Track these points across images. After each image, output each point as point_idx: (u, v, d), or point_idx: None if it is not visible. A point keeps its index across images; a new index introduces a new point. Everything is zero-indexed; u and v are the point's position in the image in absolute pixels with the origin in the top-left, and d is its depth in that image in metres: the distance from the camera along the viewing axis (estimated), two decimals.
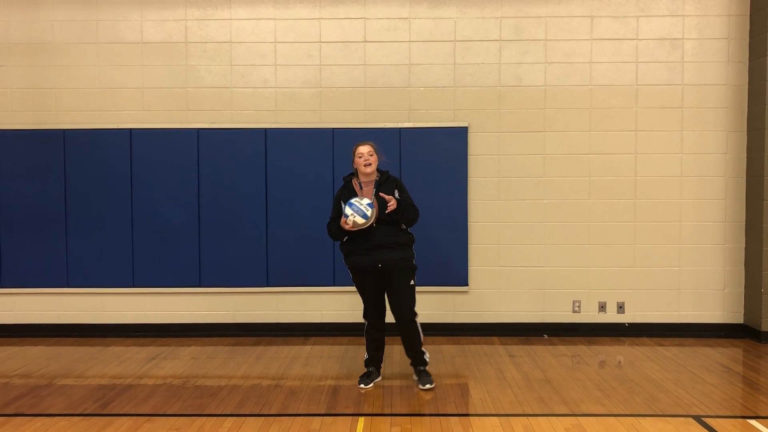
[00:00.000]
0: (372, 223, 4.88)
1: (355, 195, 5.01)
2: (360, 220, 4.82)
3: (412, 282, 5.08)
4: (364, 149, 5.06)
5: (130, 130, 6.72)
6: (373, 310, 5.15)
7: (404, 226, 5.06)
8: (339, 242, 5.20)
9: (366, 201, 4.86)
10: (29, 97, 6.77)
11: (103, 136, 6.72)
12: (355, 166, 5.14)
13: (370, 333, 5.21)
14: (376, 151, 5.10)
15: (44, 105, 6.76)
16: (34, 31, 6.76)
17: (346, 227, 4.89)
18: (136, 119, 6.76)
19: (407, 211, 5.02)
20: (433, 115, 6.71)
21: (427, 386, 5.03)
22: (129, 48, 6.76)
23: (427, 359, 5.22)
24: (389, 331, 5.28)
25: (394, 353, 5.93)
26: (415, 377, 5.22)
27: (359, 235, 4.97)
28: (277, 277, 6.73)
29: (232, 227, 6.71)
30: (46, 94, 6.77)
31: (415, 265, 5.11)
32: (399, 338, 5.23)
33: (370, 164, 5.04)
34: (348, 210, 4.84)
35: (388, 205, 4.86)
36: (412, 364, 5.24)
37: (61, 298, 6.81)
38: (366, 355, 5.27)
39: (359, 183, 5.10)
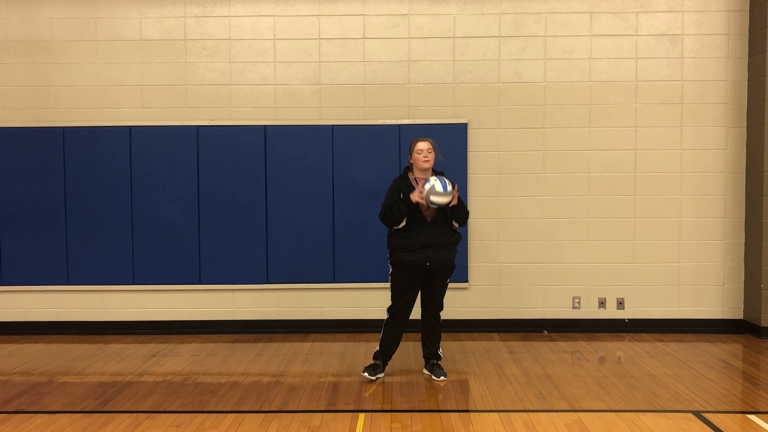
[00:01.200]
0: (447, 204, 4.86)
1: (413, 188, 5.01)
2: (439, 188, 4.79)
3: (448, 279, 5.23)
4: (423, 145, 5.06)
5: (130, 127, 6.72)
6: (403, 305, 5.13)
7: (456, 225, 5.12)
8: (388, 234, 5.15)
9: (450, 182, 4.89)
10: (28, 95, 6.77)
11: (102, 134, 6.72)
12: (411, 161, 5.14)
13: (392, 324, 5.17)
14: (434, 149, 5.11)
15: (43, 102, 6.76)
16: (33, 28, 6.75)
17: (417, 193, 4.85)
18: (136, 117, 6.76)
19: (463, 208, 5.09)
20: (433, 112, 6.71)
21: (441, 378, 5.18)
22: (128, 45, 6.75)
23: (441, 353, 5.39)
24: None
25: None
26: (426, 371, 5.33)
27: (413, 231, 4.98)
28: (276, 274, 6.74)
29: (231, 224, 6.71)
30: (46, 91, 6.77)
31: (455, 264, 5.21)
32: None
33: (428, 161, 5.05)
34: (433, 178, 4.86)
35: (452, 201, 4.88)
36: (425, 356, 5.35)
37: (62, 296, 6.81)
38: (378, 348, 5.26)
39: (415, 179, 5.11)
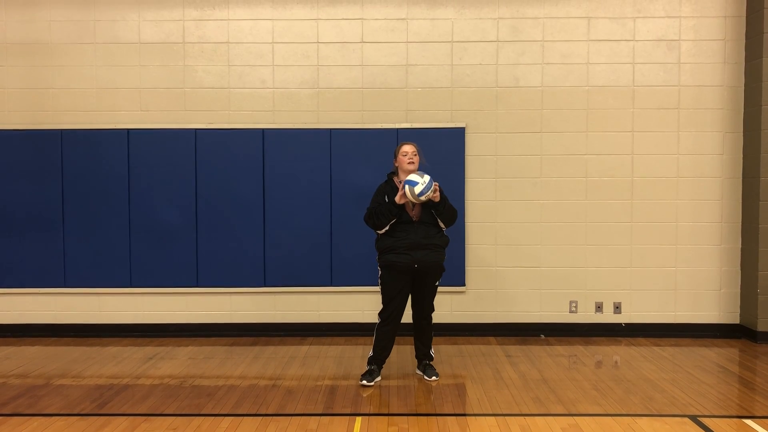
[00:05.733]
0: (426, 191, 4.87)
1: (397, 192, 5.07)
2: (413, 175, 4.90)
3: (437, 283, 5.26)
4: (408, 148, 5.18)
5: (128, 130, 6.72)
6: (394, 309, 5.16)
7: (443, 226, 5.16)
8: (376, 238, 5.23)
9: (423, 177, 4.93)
10: (26, 97, 6.76)
11: (100, 137, 6.72)
12: (397, 164, 5.23)
13: (383, 330, 5.20)
14: (419, 153, 5.21)
15: (41, 105, 6.76)
16: (31, 31, 6.75)
17: (400, 194, 4.93)
18: (134, 119, 6.76)
19: (449, 207, 5.11)
20: (431, 116, 6.72)
21: (434, 378, 5.25)
22: (126, 48, 6.75)
23: (433, 354, 5.45)
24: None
25: (391, 353, 5.92)
26: (419, 371, 5.41)
27: (400, 232, 5.03)
28: (274, 278, 6.74)
29: (229, 227, 6.71)
30: (43, 94, 6.76)
31: (445, 267, 5.23)
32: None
33: (413, 163, 5.14)
34: (414, 177, 4.91)
35: (433, 195, 4.90)
36: (418, 356, 5.42)
37: (59, 298, 6.80)
38: (371, 353, 5.28)
39: (401, 182, 5.13)
